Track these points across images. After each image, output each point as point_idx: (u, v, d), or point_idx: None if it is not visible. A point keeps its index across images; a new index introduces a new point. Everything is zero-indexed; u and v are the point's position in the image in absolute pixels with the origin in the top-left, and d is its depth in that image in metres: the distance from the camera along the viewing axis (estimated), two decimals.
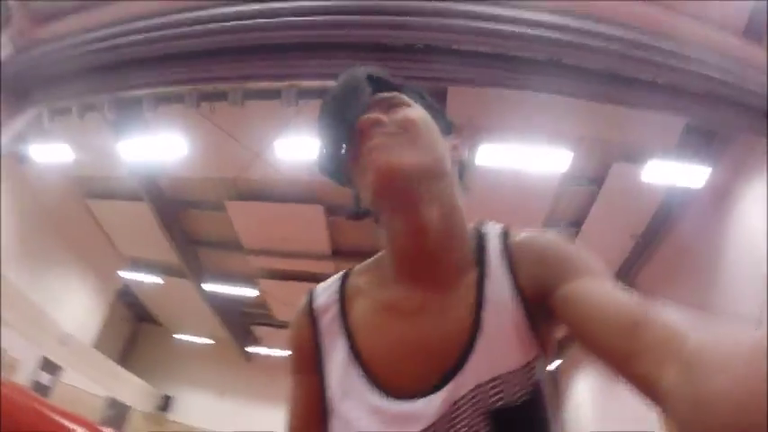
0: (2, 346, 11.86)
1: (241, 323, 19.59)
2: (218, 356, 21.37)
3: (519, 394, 0.87)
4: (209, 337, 21.28)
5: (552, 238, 1.02)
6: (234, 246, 14.38)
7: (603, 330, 0.75)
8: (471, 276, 0.99)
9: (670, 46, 5.96)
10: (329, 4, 6.24)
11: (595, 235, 10.34)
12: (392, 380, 0.93)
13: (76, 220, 15.49)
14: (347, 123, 0.98)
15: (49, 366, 14.65)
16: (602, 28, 5.85)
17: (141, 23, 6.87)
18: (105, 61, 7.19)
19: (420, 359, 0.93)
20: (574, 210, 10.52)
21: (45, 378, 14.62)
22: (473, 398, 0.86)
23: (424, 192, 0.95)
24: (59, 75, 7.66)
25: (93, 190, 14.60)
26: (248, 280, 15.96)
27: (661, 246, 10.35)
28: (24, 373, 13.77)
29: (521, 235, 1.04)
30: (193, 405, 20.82)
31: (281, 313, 17.00)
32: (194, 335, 21.54)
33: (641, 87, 6.26)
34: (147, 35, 6.80)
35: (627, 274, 11.07)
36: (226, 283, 16.26)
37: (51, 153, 11.52)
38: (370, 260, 1.19)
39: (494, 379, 0.87)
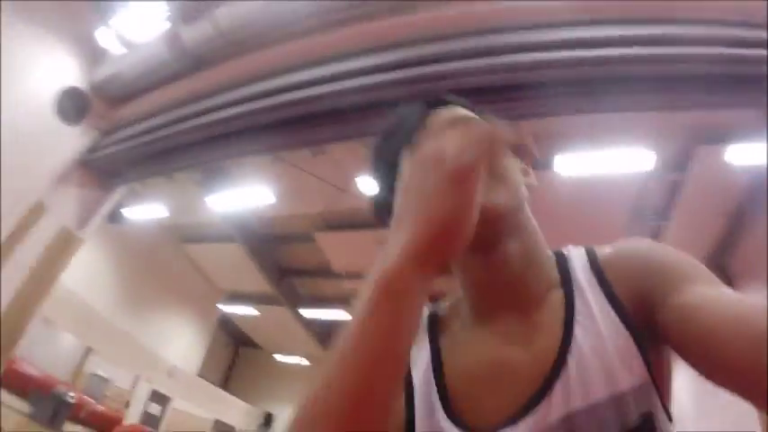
0: (116, 384, 13.03)
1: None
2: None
3: (620, 427, 0.74)
4: (306, 357, 22.11)
5: (647, 246, 0.90)
6: (325, 272, 15.13)
7: (735, 344, 0.64)
8: (557, 298, 0.88)
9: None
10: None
11: (686, 222, 9.86)
12: (474, 409, 0.84)
13: (174, 264, 17.15)
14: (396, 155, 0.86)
15: (158, 398, 15.95)
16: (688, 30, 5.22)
17: (215, 100, 7.18)
18: (185, 140, 7.63)
19: (505, 386, 0.83)
20: (659, 200, 10.06)
21: (155, 409, 15.88)
22: (565, 428, 0.74)
23: (507, 225, 0.87)
24: (145, 154, 8.20)
25: (187, 235, 16.15)
26: (341, 302, 16.40)
27: (753, 226, 9.80)
28: (137, 407, 15.18)
29: (609, 249, 0.93)
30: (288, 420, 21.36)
31: None
32: (291, 355, 22.50)
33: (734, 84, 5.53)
34: (221, 113, 7.03)
35: (719, 256, 10.53)
36: (320, 308, 16.91)
37: (145, 211, 12.30)
38: (446, 305, 1.07)
39: (590, 408, 0.75)
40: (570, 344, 0.81)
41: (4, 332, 7.53)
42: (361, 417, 0.61)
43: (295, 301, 16.98)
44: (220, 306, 19.82)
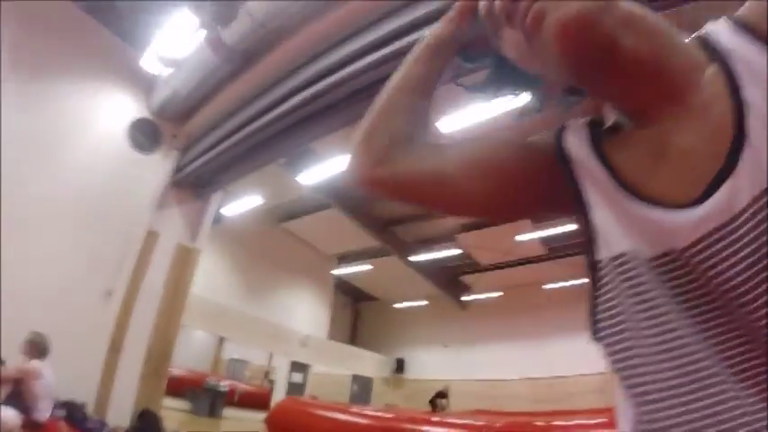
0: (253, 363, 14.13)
1: (450, 278, 20.37)
2: (435, 313, 22.80)
3: None
4: (424, 299, 22.69)
5: None
6: (426, 215, 15.26)
7: None
8: (713, 74, 0.75)
9: None
10: None
11: None
12: (652, 188, 0.76)
13: (281, 244, 18.15)
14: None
15: (298, 367, 17.28)
16: None
17: (278, 90, 7.21)
18: (262, 136, 7.76)
19: (679, 169, 0.74)
20: None
21: (297, 377, 16.99)
22: (753, 212, 0.64)
23: (609, 24, 0.74)
24: (229, 157, 8.49)
25: (285, 215, 17.02)
26: (448, 239, 16.54)
27: None
28: (282, 379, 16.56)
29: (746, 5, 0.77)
30: (423, 361, 22.53)
31: (485, 258, 17.60)
32: (410, 300, 23.15)
33: None
34: (289, 102, 7.00)
35: None
36: (426, 250, 17.09)
37: (241, 205, 12.82)
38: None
39: None
40: (744, 112, 0.69)
41: (159, 348, 8.30)
42: (376, 126, 0.95)
43: (402, 248, 17.38)
44: (334, 271, 20.97)
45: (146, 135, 8.87)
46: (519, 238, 14.96)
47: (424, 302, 22.78)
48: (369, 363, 21.67)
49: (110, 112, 8.57)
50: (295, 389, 16.73)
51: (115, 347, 7.70)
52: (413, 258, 17.65)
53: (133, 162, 8.68)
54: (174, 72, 8.15)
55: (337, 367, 19.57)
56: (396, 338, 23.77)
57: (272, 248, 17.60)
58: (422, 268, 18.30)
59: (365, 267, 19.78)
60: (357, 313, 25.60)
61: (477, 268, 19.08)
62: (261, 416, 15.10)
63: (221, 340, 16.03)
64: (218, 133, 8.22)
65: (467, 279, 20.58)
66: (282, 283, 18.50)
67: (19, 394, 5.14)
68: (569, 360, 17.27)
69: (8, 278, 6.90)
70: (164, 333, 8.34)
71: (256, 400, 15.61)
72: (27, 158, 7.45)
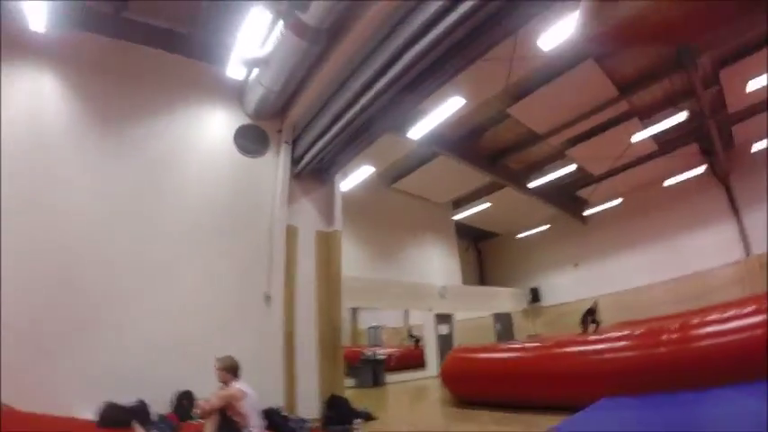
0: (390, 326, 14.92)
1: (567, 196, 19.77)
2: (558, 235, 22.28)
3: None
4: (545, 223, 22.15)
5: None
6: (530, 140, 14.95)
7: None
8: None
9: None
10: None
11: None
12: None
13: (397, 205, 18.28)
14: None
15: (442, 318, 17.33)
16: None
17: (374, 61, 6.87)
18: (373, 111, 7.52)
19: None
20: None
21: (444, 329, 17.16)
22: None
23: None
24: (343, 140, 8.36)
25: (394, 176, 17.12)
26: (558, 158, 15.97)
27: None
28: (430, 334, 16.69)
29: None
30: (556, 285, 22.22)
31: (598, 168, 16.81)
32: (531, 228, 22.64)
33: None
34: (391, 72, 6.68)
35: None
36: (541, 173, 16.68)
37: (355, 176, 12.75)
38: None
39: None
40: None
41: (329, 334, 8.62)
42: None
43: (514, 177, 16.98)
44: (455, 217, 20.89)
45: (251, 139, 8.97)
46: (629, 139, 14.12)
47: (546, 227, 22.21)
48: (505, 299, 21.55)
49: (216, 128, 8.78)
50: (444, 340, 16.83)
51: (289, 346, 7.88)
52: (527, 185, 17.09)
53: (251, 167, 8.85)
54: (262, 71, 8.04)
55: (477, 310, 19.58)
56: (524, 269, 23.46)
57: (390, 212, 17.71)
58: (537, 193, 17.73)
59: (483, 206, 19.41)
60: (480, 253, 25.36)
61: (591, 180, 18.26)
62: (419, 374, 15.50)
63: (354, 312, 16.33)
64: (326, 117, 8.06)
65: (584, 193, 19.79)
66: (407, 242, 18.60)
67: (228, 419, 5.23)
68: (703, 254, 16.60)
69: (169, 302, 7.45)
70: (329, 319, 8.53)
71: (412, 360, 15.91)
72: (155, 189, 7.90)
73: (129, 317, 7.22)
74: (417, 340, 17.38)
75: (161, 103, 8.29)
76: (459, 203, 20.38)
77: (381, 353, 14.19)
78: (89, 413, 6.32)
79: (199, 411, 5.36)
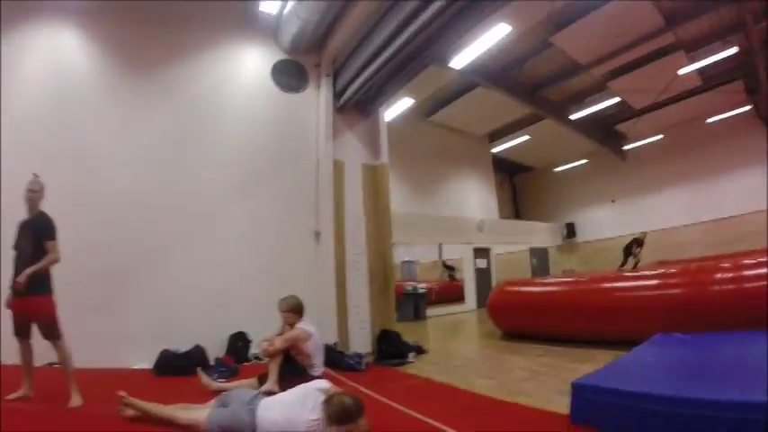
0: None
1: (606, 130, 19.24)
2: (596, 169, 21.69)
3: None
4: (583, 158, 21.62)
5: None
6: (573, 70, 14.36)
7: None
8: None
9: None
10: None
11: None
12: None
13: (436, 138, 17.85)
14: None
15: (480, 253, 17.26)
16: None
17: None
18: (418, 41, 7.07)
19: None
20: None
21: (482, 263, 17.16)
22: None
23: None
24: (386, 72, 7.97)
25: (431, 108, 16.61)
26: (599, 89, 15.47)
27: None
28: (468, 271, 16.71)
29: None
30: (593, 221, 21.82)
31: (639, 101, 16.19)
32: (568, 162, 22.15)
33: None
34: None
35: None
36: (581, 105, 16.23)
37: (396, 108, 12.50)
38: None
39: None
40: None
41: (379, 269, 8.51)
42: None
43: (553, 109, 16.50)
44: (493, 149, 20.59)
45: (290, 75, 8.70)
46: (673, 72, 13.53)
47: (583, 161, 21.66)
48: (540, 234, 21.30)
49: (251, 66, 8.54)
50: (482, 274, 16.85)
51: (340, 282, 7.86)
52: (565, 117, 16.65)
53: (291, 104, 8.64)
54: (298, 3, 7.65)
55: (514, 244, 19.39)
56: (560, 204, 23.03)
57: (426, 145, 17.32)
58: (576, 126, 17.26)
59: (521, 139, 19.05)
60: (515, 188, 25.00)
61: (632, 114, 17.61)
62: (458, 308, 15.57)
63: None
64: (369, 48, 7.69)
65: (623, 128, 19.13)
66: (444, 176, 18.34)
67: (292, 359, 5.21)
68: (743, 197, 16.01)
69: (218, 246, 7.51)
70: (379, 253, 8.46)
71: (452, 294, 15.99)
72: (194, 133, 7.82)
73: (180, 264, 7.29)
74: (452, 269, 17.45)
75: (191, 45, 8.04)
76: (496, 136, 19.92)
77: (422, 287, 14.21)
78: (144, 363, 6.51)
79: (263, 353, 5.28)
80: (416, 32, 6.80)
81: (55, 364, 4.72)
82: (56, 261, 4.46)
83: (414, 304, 13.52)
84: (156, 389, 4.32)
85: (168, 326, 6.90)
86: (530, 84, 15.26)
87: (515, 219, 22.89)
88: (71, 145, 6.89)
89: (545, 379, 5.62)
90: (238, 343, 7.17)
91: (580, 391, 3.68)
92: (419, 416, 4.22)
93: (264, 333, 7.17)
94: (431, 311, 14.36)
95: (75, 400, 4.29)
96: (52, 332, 4.42)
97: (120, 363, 6.35)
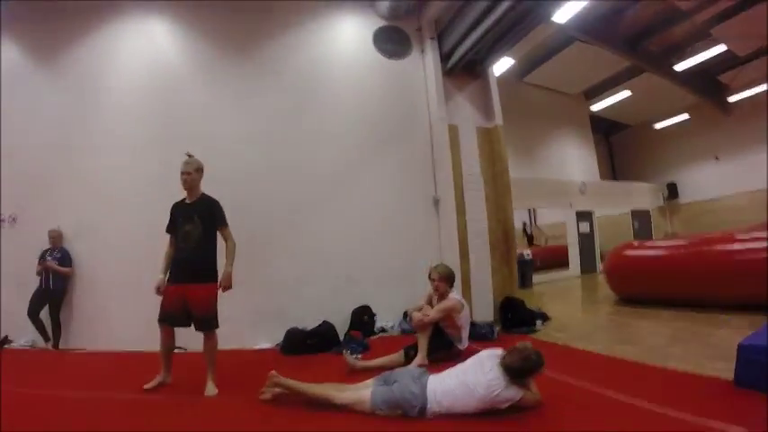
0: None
1: (708, 81, 17.80)
2: (698, 125, 20.02)
3: None
4: (683, 112, 20.09)
5: None
6: (675, 17, 13.26)
7: None
8: None
9: None
10: None
11: None
12: None
13: (529, 100, 17.04)
14: None
15: (583, 216, 16.70)
16: None
17: None
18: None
19: None
20: None
21: (585, 227, 16.68)
22: None
23: None
24: (494, 34, 7.59)
25: (525, 68, 16.03)
26: (702, 37, 14.27)
27: None
28: (571, 235, 16.23)
29: None
30: (696, 180, 20.26)
31: (743, 48, 14.81)
32: (668, 118, 20.66)
33: None
34: None
35: None
36: (683, 55, 15.05)
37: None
38: None
39: None
40: None
41: (501, 236, 8.14)
42: None
43: (653, 61, 15.26)
44: (593, 107, 19.47)
45: (392, 41, 8.47)
46: None
47: (684, 116, 20.14)
48: (641, 195, 20.08)
49: (351, 36, 8.37)
50: (586, 238, 16.26)
51: (462, 249, 7.63)
52: (666, 69, 15.49)
53: (397, 71, 8.41)
54: None
55: (616, 207, 18.42)
56: (661, 163, 21.57)
57: (523, 106, 16.49)
58: (677, 77, 16.06)
59: (622, 95, 17.97)
60: (611, 147, 23.75)
61: (737, 62, 16.22)
62: (562, 274, 15.07)
63: None
64: (476, 9, 7.30)
65: (727, 78, 17.57)
66: (544, 138, 17.66)
67: (441, 332, 4.98)
68: None
69: (339, 222, 7.48)
70: (499, 219, 8.09)
71: (557, 259, 15.49)
72: (309, 105, 7.80)
73: (301, 241, 7.31)
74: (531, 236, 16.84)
75: (288, 22, 8.00)
76: (593, 94, 18.89)
77: (528, 253, 13.77)
78: (266, 343, 6.61)
79: (416, 324, 5.04)
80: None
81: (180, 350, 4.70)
82: (235, 248, 4.48)
83: (521, 272, 13.09)
84: (288, 369, 4.15)
85: (290, 304, 6.96)
86: (629, 35, 14.17)
87: (613, 180, 21.72)
88: (184, 133, 7.05)
89: (687, 344, 5.26)
90: (364, 317, 7.08)
91: (747, 353, 3.44)
92: (576, 382, 3.98)
93: (391, 306, 7.14)
94: (536, 278, 13.91)
95: (211, 390, 4.25)
96: (211, 323, 4.37)
97: (242, 344, 6.41)
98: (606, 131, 23.02)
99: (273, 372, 3.91)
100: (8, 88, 7.60)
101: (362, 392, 3.56)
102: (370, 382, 3.72)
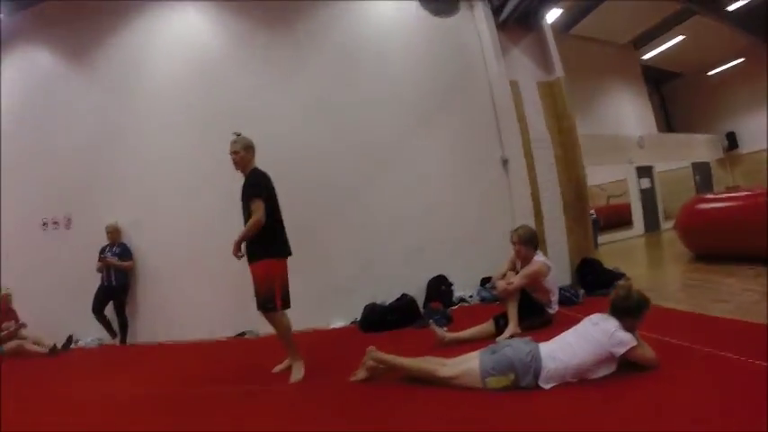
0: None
1: (762, 21, 16.64)
2: (756, 69, 18.36)
3: None
4: (739, 56, 18.73)
5: None
6: None
7: None
8: None
9: None
10: None
11: None
12: None
13: (575, 53, 15.76)
14: None
15: (643, 171, 16.06)
16: None
17: None
18: None
19: None
20: None
21: (645, 183, 15.98)
22: None
23: None
24: None
25: (568, 21, 15.11)
26: None
27: None
28: (633, 192, 15.65)
29: None
30: (756, 129, 18.71)
31: None
32: (723, 63, 19.38)
33: None
34: None
35: None
36: None
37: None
38: None
39: None
40: None
41: (573, 194, 7.71)
42: None
43: (707, 2, 14.20)
44: (645, 56, 18.46)
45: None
46: None
47: (740, 60, 18.80)
48: (700, 147, 19.12)
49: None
50: (646, 194, 15.65)
51: (536, 210, 7.31)
52: (719, 11, 14.44)
53: (447, 28, 7.99)
54: None
55: (676, 160, 17.61)
56: (717, 112, 20.27)
57: (571, 60, 15.44)
58: (731, 18, 15.08)
59: (676, 40, 16.94)
60: (663, 98, 22.57)
61: None
62: (627, 233, 14.52)
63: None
64: None
65: None
66: (595, 92, 16.68)
67: (529, 297, 4.64)
68: None
69: (406, 191, 7.24)
70: (570, 177, 7.71)
71: (621, 218, 15.02)
72: (362, 72, 7.54)
73: (370, 211, 7.10)
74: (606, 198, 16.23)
75: None
76: (641, 42, 17.78)
77: (593, 212, 13.24)
78: (340, 321, 6.46)
79: (501, 293, 4.73)
80: None
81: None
82: (258, 223, 4.04)
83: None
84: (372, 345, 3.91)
85: (360, 280, 6.76)
86: None
87: (668, 132, 20.69)
88: (231, 117, 6.75)
89: None
90: (441, 287, 6.78)
91: None
92: (691, 345, 3.58)
93: (467, 274, 6.83)
94: (600, 239, 13.30)
95: (297, 375, 4.07)
96: (263, 305, 4.13)
97: (316, 323, 6.29)
98: (657, 81, 21.81)
99: (372, 347, 3.73)
100: (47, 92, 7.68)
101: (469, 363, 3.32)
102: (474, 353, 3.45)
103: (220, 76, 7.26)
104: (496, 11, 7.90)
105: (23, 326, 6.77)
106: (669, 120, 22.09)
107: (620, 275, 6.94)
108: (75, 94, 7.63)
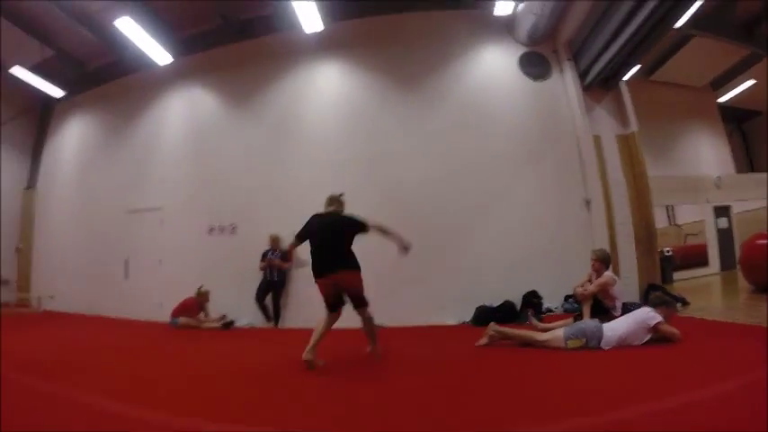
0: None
1: None
2: None
3: None
4: None
5: None
6: None
7: None
8: None
9: None
10: None
11: None
12: None
13: (656, 100, 17.19)
14: None
15: (720, 211, 16.92)
16: None
17: None
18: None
19: None
20: None
21: (723, 222, 16.88)
22: None
23: None
24: (631, 46, 8.77)
25: (650, 68, 16.40)
26: None
27: None
28: (710, 231, 16.57)
29: None
30: None
31: None
32: None
33: None
34: None
35: None
36: None
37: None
38: None
39: None
40: None
41: (644, 231, 9.50)
42: None
43: None
44: (721, 99, 19.39)
45: (533, 64, 10.20)
46: None
47: None
48: None
49: (494, 63, 10.29)
50: (724, 234, 16.67)
51: (612, 244, 9.15)
52: None
53: (539, 91, 10.10)
54: (528, 3, 9.38)
55: (755, 200, 17.52)
56: None
57: (648, 104, 15.54)
58: None
59: (746, 85, 18.12)
60: (745, 136, 23.18)
61: None
62: (702, 271, 15.29)
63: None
64: (607, 29, 8.72)
65: None
66: (673, 134, 17.74)
67: (600, 303, 6.61)
68: None
69: (507, 223, 9.43)
70: (642, 216, 9.57)
71: (696, 256, 16.08)
72: (471, 125, 9.87)
73: (475, 241, 9.29)
74: (683, 238, 17.21)
75: (445, 55, 10.16)
76: (717, 84, 18.80)
77: (668, 249, 14.40)
78: (451, 320, 8.54)
79: (578, 296, 6.77)
80: (655, 7, 7.70)
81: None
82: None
83: (661, 267, 13.72)
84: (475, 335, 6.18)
85: (469, 291, 8.79)
86: (745, 21, 14.12)
87: (750, 171, 21.15)
88: (371, 153, 9.67)
89: None
90: (533, 299, 8.81)
91: None
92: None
93: (553, 291, 8.76)
94: (675, 276, 14.42)
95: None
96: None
97: (431, 321, 8.41)
98: (738, 120, 22.71)
99: (493, 323, 5.98)
100: (217, 130, 10.67)
101: (556, 332, 5.53)
102: (559, 328, 5.68)
103: (362, 120, 9.91)
104: (582, 75, 9.91)
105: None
106: (751, 158, 22.76)
107: (681, 299, 8.56)
108: (241, 133, 10.54)
